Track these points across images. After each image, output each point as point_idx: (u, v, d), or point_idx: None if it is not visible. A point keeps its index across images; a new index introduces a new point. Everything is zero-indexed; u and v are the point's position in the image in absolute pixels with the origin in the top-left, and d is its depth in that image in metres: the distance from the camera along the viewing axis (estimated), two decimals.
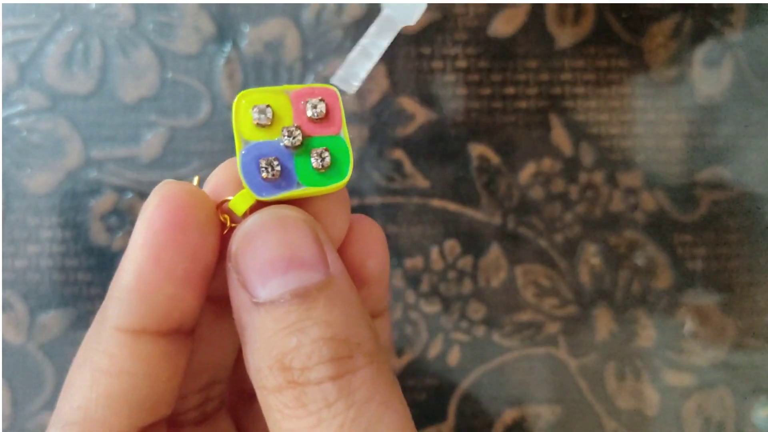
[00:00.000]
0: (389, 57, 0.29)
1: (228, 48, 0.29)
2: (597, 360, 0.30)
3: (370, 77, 0.29)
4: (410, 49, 0.29)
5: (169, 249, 0.15)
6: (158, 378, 0.15)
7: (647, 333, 0.30)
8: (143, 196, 0.29)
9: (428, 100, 0.30)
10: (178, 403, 0.18)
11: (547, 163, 0.30)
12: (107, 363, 0.15)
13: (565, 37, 0.30)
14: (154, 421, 0.16)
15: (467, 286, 0.30)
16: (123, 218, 0.29)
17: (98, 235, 0.29)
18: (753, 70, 0.30)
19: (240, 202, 0.16)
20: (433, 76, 0.30)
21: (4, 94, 0.29)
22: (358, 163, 0.29)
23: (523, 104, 0.30)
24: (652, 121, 0.30)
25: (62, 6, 0.29)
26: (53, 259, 0.29)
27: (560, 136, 0.30)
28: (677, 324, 0.30)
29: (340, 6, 0.29)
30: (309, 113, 0.16)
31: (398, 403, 0.14)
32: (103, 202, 0.29)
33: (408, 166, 0.30)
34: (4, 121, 0.29)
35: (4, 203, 0.29)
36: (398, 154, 0.30)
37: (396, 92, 0.30)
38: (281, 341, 0.14)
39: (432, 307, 0.30)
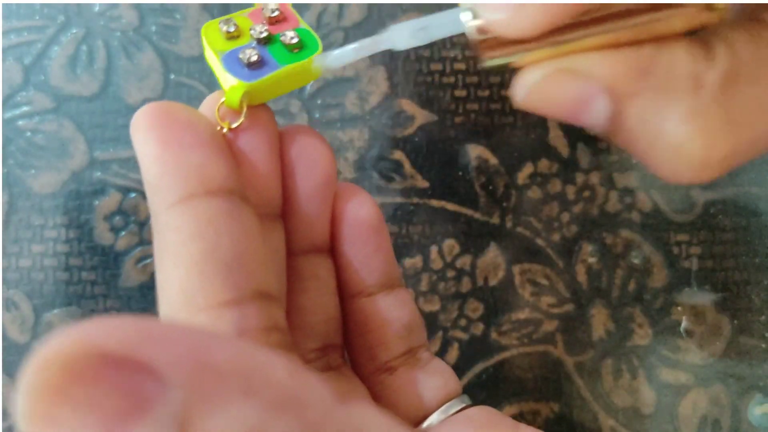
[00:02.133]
0: (389, 59, 0.30)
1: None
2: (594, 358, 0.30)
3: (371, 79, 0.30)
4: (410, 52, 0.30)
5: (172, 127, 0.16)
6: (230, 234, 0.15)
7: (643, 331, 0.30)
8: (147, 196, 0.29)
9: (428, 101, 0.30)
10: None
11: (545, 164, 0.30)
12: (177, 236, 0.15)
13: None
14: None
15: (466, 285, 0.30)
16: (127, 218, 0.29)
17: (102, 234, 0.29)
18: None
19: (232, 95, 0.17)
20: (432, 77, 0.30)
21: (8, 96, 0.29)
22: (359, 164, 0.30)
23: None
24: None
25: (66, 8, 0.29)
26: (58, 259, 0.29)
27: (557, 137, 0.30)
28: (673, 322, 0.30)
29: (341, 8, 0.30)
30: (267, 14, 0.18)
31: None
32: (107, 202, 0.29)
33: (408, 166, 0.30)
34: (8, 123, 0.29)
35: (8, 203, 0.29)
36: (398, 155, 0.30)
37: (396, 94, 0.30)
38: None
39: (431, 306, 0.30)
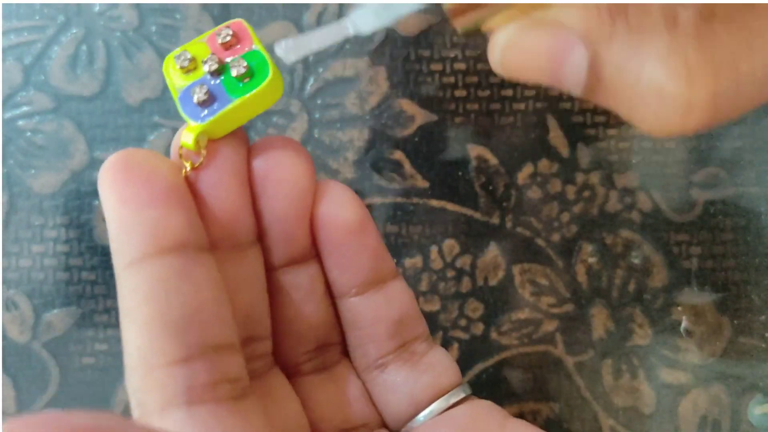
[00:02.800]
0: (389, 59, 0.30)
1: None
2: (594, 358, 0.30)
3: (371, 79, 0.30)
4: (410, 52, 0.30)
5: (130, 181, 0.16)
6: (182, 284, 0.16)
7: (643, 331, 0.30)
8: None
9: (428, 101, 0.30)
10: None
11: (545, 164, 0.30)
12: (134, 300, 0.15)
13: None
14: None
15: (466, 285, 0.30)
16: None
17: (103, 234, 0.29)
18: None
19: (188, 136, 0.16)
20: (432, 77, 0.30)
21: (8, 96, 0.29)
22: (359, 164, 0.30)
23: (521, 106, 0.30)
24: None
25: (66, 8, 0.29)
26: (58, 259, 0.29)
27: (557, 138, 0.30)
28: (673, 323, 0.30)
29: (341, 8, 0.30)
30: (219, 41, 0.17)
31: None
32: None
33: (408, 167, 0.30)
34: (8, 123, 0.29)
35: (8, 203, 0.29)
36: (398, 155, 0.30)
37: (396, 94, 0.30)
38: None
39: (431, 306, 0.30)
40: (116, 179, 0.16)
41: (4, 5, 0.29)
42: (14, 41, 0.29)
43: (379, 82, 0.30)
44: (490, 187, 0.30)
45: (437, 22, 0.30)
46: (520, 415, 0.30)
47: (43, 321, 0.29)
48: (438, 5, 0.16)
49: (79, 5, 0.29)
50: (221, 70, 0.17)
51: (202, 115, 0.17)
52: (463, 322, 0.30)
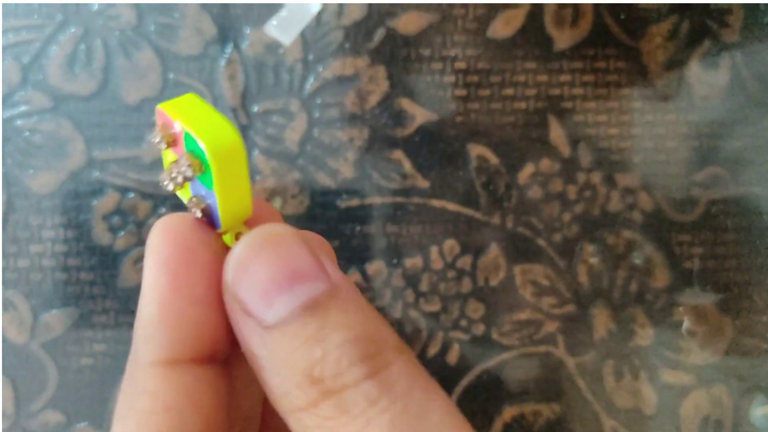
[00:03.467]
0: (389, 58, 0.30)
1: (229, 49, 0.29)
2: (595, 359, 0.30)
3: (371, 79, 0.30)
4: (410, 51, 0.30)
5: (184, 271, 0.14)
6: (203, 409, 0.15)
7: (645, 332, 0.30)
8: (145, 196, 0.29)
9: (428, 101, 0.30)
10: None
11: (546, 164, 0.30)
12: (150, 402, 0.14)
13: (563, 38, 0.30)
14: None
15: (466, 286, 0.30)
16: (125, 218, 0.29)
17: (101, 234, 0.29)
18: (750, 71, 0.30)
19: (227, 239, 0.16)
20: (432, 77, 0.30)
21: (7, 95, 0.29)
22: (359, 164, 0.30)
23: (521, 105, 0.30)
24: (650, 121, 0.30)
25: (65, 7, 0.29)
26: (56, 259, 0.29)
27: (559, 137, 0.30)
28: (675, 323, 0.30)
29: (340, 7, 0.29)
30: (158, 146, 0.15)
31: (437, 387, 0.14)
32: (105, 202, 0.29)
33: (408, 166, 0.30)
34: (7, 122, 0.29)
35: (7, 203, 0.29)
36: (398, 154, 0.30)
37: (396, 93, 0.30)
38: (305, 355, 0.13)
39: (431, 306, 0.30)
40: (171, 246, 0.15)
41: (3, 5, 0.29)
42: (12, 40, 0.29)
43: (379, 81, 0.30)
44: (491, 187, 0.30)
45: (437, 21, 0.30)
46: (522, 416, 0.30)
47: (41, 322, 0.29)
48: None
49: (77, 4, 0.29)
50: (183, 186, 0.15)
51: (214, 221, 0.15)
52: (463, 323, 0.30)
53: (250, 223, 0.16)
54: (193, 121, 0.14)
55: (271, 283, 0.14)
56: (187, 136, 0.14)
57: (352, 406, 0.13)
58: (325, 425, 0.13)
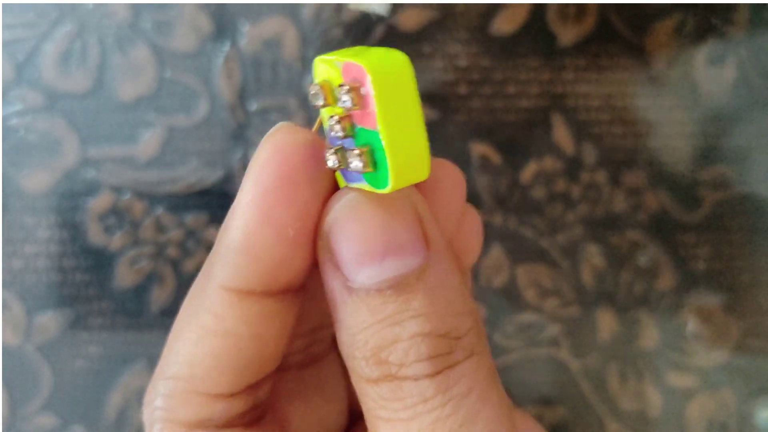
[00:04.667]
0: None
1: (226, 46, 0.29)
2: (599, 361, 0.30)
3: None
4: (410, 48, 0.29)
5: (281, 209, 0.14)
6: (265, 339, 0.15)
7: (650, 334, 0.30)
8: (141, 195, 0.29)
9: (429, 99, 0.29)
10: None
11: (549, 163, 0.30)
12: (213, 322, 0.14)
13: (567, 35, 0.30)
14: (261, 378, 0.16)
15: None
16: (121, 218, 0.29)
17: (96, 235, 0.29)
18: (756, 68, 0.30)
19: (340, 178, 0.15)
20: (433, 75, 0.30)
21: (1, 94, 0.29)
22: None
23: (524, 103, 0.30)
24: (655, 120, 0.30)
25: (60, 4, 0.29)
26: (50, 260, 0.29)
27: (562, 136, 0.30)
28: (680, 325, 0.30)
29: (339, 4, 0.29)
30: (341, 105, 0.13)
31: (497, 396, 0.14)
32: (100, 202, 0.29)
33: None
34: (1, 121, 0.29)
35: (0, 203, 0.29)
36: None
37: None
38: (377, 334, 0.13)
39: None
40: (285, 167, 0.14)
41: (3, 4, 0.29)
42: (7, 38, 0.29)
43: None
44: (493, 187, 0.30)
45: (438, 18, 0.29)
46: None
47: (35, 323, 0.29)
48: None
49: (72, 1, 0.29)
50: (350, 136, 0.14)
51: (345, 175, 0.14)
52: None
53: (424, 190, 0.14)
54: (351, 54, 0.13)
55: (365, 247, 0.13)
56: (377, 139, 0.13)
57: (407, 396, 0.13)
58: (378, 401, 0.14)
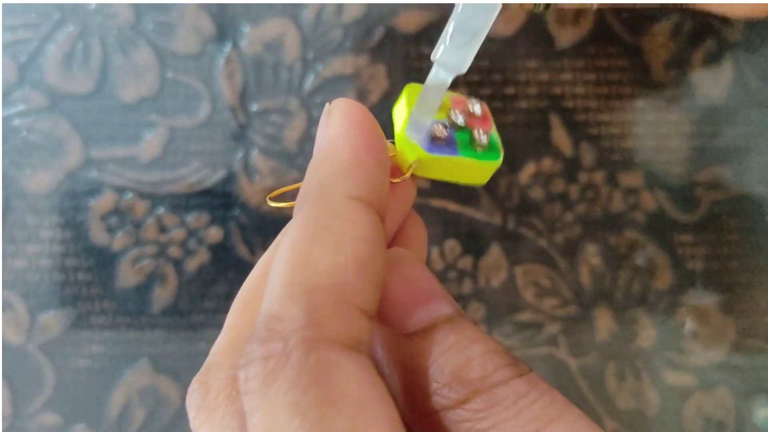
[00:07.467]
0: (389, 56, 0.29)
1: (228, 48, 0.29)
2: (597, 360, 0.30)
3: (371, 77, 0.29)
4: (410, 49, 0.29)
5: (375, 138, 0.16)
6: (382, 251, 0.15)
7: (647, 333, 0.30)
8: (143, 196, 0.29)
9: None
10: None
11: (548, 163, 0.30)
12: (351, 228, 0.14)
13: (565, 37, 0.30)
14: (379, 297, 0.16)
15: (467, 286, 0.30)
16: (123, 218, 0.29)
17: (98, 235, 0.29)
18: (752, 69, 0.30)
19: (409, 153, 0.18)
20: None
21: (4, 94, 0.29)
22: None
23: (523, 104, 0.30)
24: (652, 121, 0.30)
25: (62, 6, 0.29)
26: (53, 259, 0.29)
27: (560, 136, 0.30)
28: (677, 324, 0.30)
29: (339, 6, 0.29)
30: (470, 109, 0.19)
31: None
32: (103, 202, 0.29)
33: None
34: (4, 121, 0.29)
35: (3, 203, 0.29)
36: None
37: (396, 92, 0.30)
38: (450, 360, 0.14)
39: None
40: (362, 122, 0.16)
41: (3, 5, 0.29)
42: (10, 39, 0.29)
43: (379, 79, 0.29)
44: (492, 187, 0.30)
45: (438, 19, 0.29)
46: None
47: (38, 322, 0.29)
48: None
49: (74, 3, 0.29)
50: (462, 128, 0.19)
51: (427, 146, 0.18)
52: None
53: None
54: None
55: (411, 296, 0.16)
56: (493, 139, 0.19)
57: (503, 398, 0.14)
58: (475, 417, 0.14)
